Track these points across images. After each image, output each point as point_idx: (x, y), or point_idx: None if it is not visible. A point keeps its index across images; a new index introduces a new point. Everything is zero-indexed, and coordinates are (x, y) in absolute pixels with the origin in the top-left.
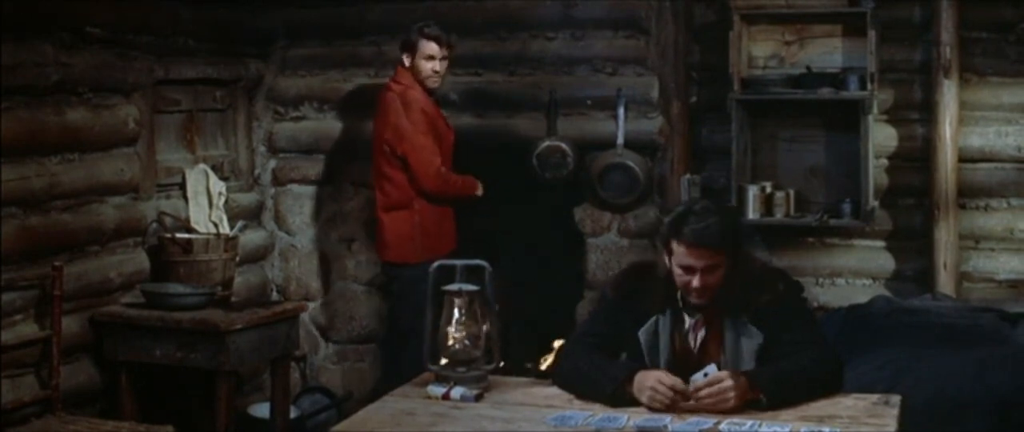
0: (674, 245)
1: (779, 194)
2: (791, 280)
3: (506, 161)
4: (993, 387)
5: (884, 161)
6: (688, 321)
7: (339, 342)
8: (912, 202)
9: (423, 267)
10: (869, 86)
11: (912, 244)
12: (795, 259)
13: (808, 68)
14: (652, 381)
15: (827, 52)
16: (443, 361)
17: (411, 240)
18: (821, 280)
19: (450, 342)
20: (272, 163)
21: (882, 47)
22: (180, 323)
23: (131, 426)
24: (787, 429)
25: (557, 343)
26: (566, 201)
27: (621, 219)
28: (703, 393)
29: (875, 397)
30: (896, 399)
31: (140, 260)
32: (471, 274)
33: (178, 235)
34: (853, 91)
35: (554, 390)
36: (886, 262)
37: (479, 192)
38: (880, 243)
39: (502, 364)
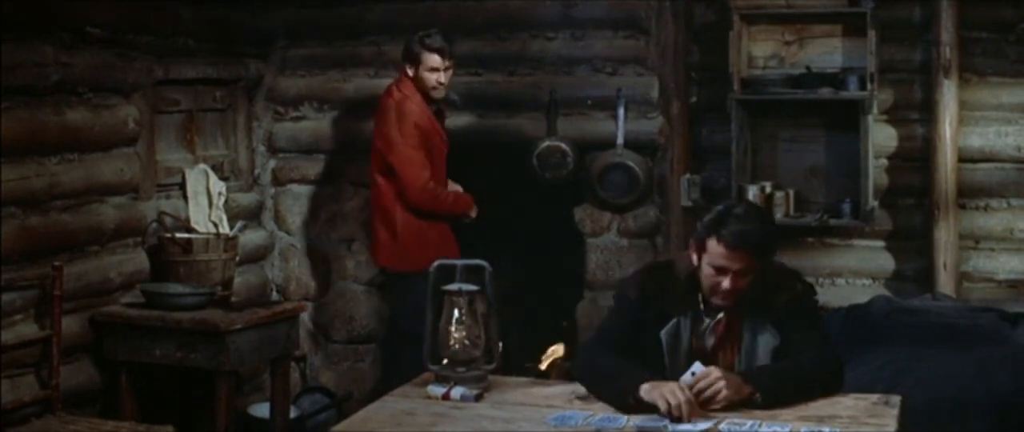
0: (710, 244)
1: (779, 194)
2: (806, 282)
3: (506, 161)
4: (993, 387)
5: (884, 161)
6: (706, 322)
7: (339, 342)
8: (912, 202)
9: (416, 276)
10: (869, 86)
11: (912, 244)
12: (795, 259)
13: (808, 68)
14: (673, 390)
15: (827, 52)
16: (443, 361)
17: (393, 248)
18: (821, 280)
19: (450, 342)
20: (272, 163)
21: (882, 47)
22: (180, 323)
23: (131, 426)
24: (787, 429)
25: (552, 348)
26: (566, 201)
27: (621, 219)
28: (695, 389)
29: (875, 397)
30: (896, 399)
31: (140, 260)
32: (471, 274)
33: (178, 235)
34: (853, 91)
35: (554, 390)
36: (886, 262)
37: (473, 213)
38: (880, 243)
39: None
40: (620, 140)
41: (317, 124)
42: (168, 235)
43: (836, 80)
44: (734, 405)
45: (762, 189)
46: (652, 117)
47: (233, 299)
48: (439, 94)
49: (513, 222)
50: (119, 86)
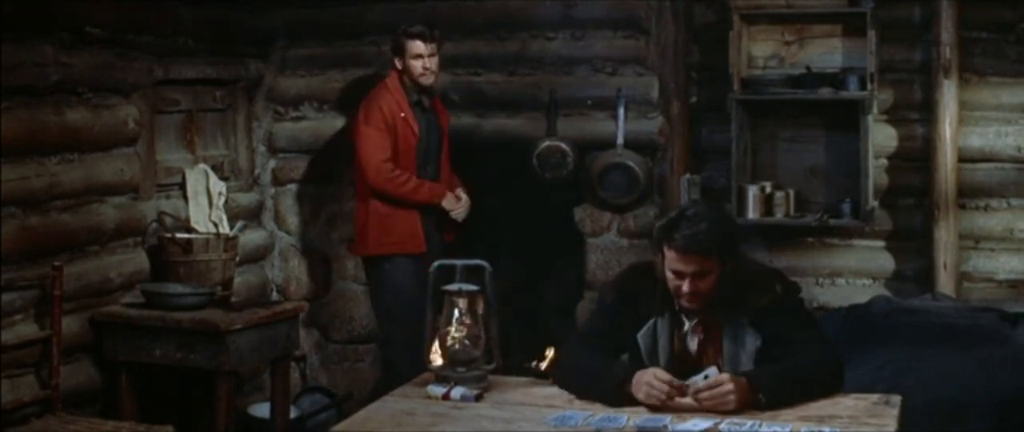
0: (665, 250)
1: (779, 194)
2: (788, 281)
3: (506, 161)
4: (993, 387)
5: (884, 161)
6: (687, 324)
7: (339, 342)
8: (912, 202)
9: (379, 260)
10: (869, 86)
11: (912, 244)
12: (795, 259)
13: (808, 68)
14: (648, 377)
15: (827, 52)
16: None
17: (364, 233)
18: (821, 280)
19: (450, 342)
20: (272, 163)
21: (882, 47)
22: (180, 323)
23: (131, 426)
24: (787, 429)
25: (550, 350)
26: (566, 201)
27: (621, 219)
28: (703, 395)
29: (875, 397)
30: (896, 399)
31: (140, 260)
32: (471, 274)
33: (178, 235)
34: (853, 91)
35: (554, 390)
36: (886, 262)
37: (446, 204)
38: (880, 243)
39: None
40: (620, 140)
41: (317, 124)
42: (168, 235)
43: (836, 80)
44: None
45: (762, 189)
46: (652, 117)
47: (233, 299)
48: (427, 80)
49: (513, 222)
50: (119, 86)
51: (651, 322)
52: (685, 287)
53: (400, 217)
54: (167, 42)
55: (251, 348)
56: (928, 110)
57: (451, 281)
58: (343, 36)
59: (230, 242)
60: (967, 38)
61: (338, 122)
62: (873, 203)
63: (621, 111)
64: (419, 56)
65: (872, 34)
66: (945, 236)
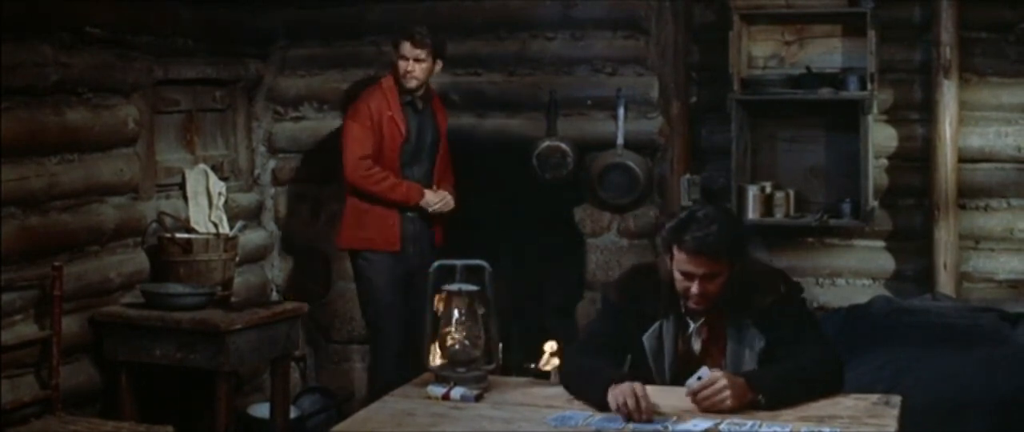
0: (675, 251)
1: (779, 194)
2: (791, 281)
3: (506, 161)
4: (993, 387)
5: (884, 161)
6: (691, 325)
7: (339, 342)
8: (912, 202)
9: (359, 257)
10: (869, 86)
11: (912, 244)
12: (795, 259)
13: (808, 68)
14: (624, 390)
15: (827, 52)
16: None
17: (342, 226)
18: (821, 280)
19: (450, 342)
20: (272, 163)
21: (882, 47)
22: (180, 323)
23: (131, 426)
24: (787, 429)
25: (548, 345)
26: (566, 201)
27: (621, 219)
28: (699, 396)
29: (875, 397)
30: (896, 399)
31: (140, 260)
32: (471, 274)
33: (178, 235)
34: (853, 91)
35: (554, 390)
36: (886, 262)
37: (423, 202)
38: (880, 243)
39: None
40: (620, 140)
41: (317, 124)
42: (168, 235)
43: (836, 80)
44: None
45: (762, 189)
46: (652, 117)
47: (233, 299)
48: (409, 83)
49: (513, 222)
50: (119, 86)
51: (656, 324)
52: (694, 289)
53: (375, 214)
54: (167, 42)
55: (251, 348)
56: (928, 110)
57: (451, 281)
58: (343, 36)
59: (230, 242)
60: (967, 38)
61: (338, 122)
62: (873, 203)
63: (621, 111)
64: (404, 57)
65: (872, 34)
66: (945, 236)
